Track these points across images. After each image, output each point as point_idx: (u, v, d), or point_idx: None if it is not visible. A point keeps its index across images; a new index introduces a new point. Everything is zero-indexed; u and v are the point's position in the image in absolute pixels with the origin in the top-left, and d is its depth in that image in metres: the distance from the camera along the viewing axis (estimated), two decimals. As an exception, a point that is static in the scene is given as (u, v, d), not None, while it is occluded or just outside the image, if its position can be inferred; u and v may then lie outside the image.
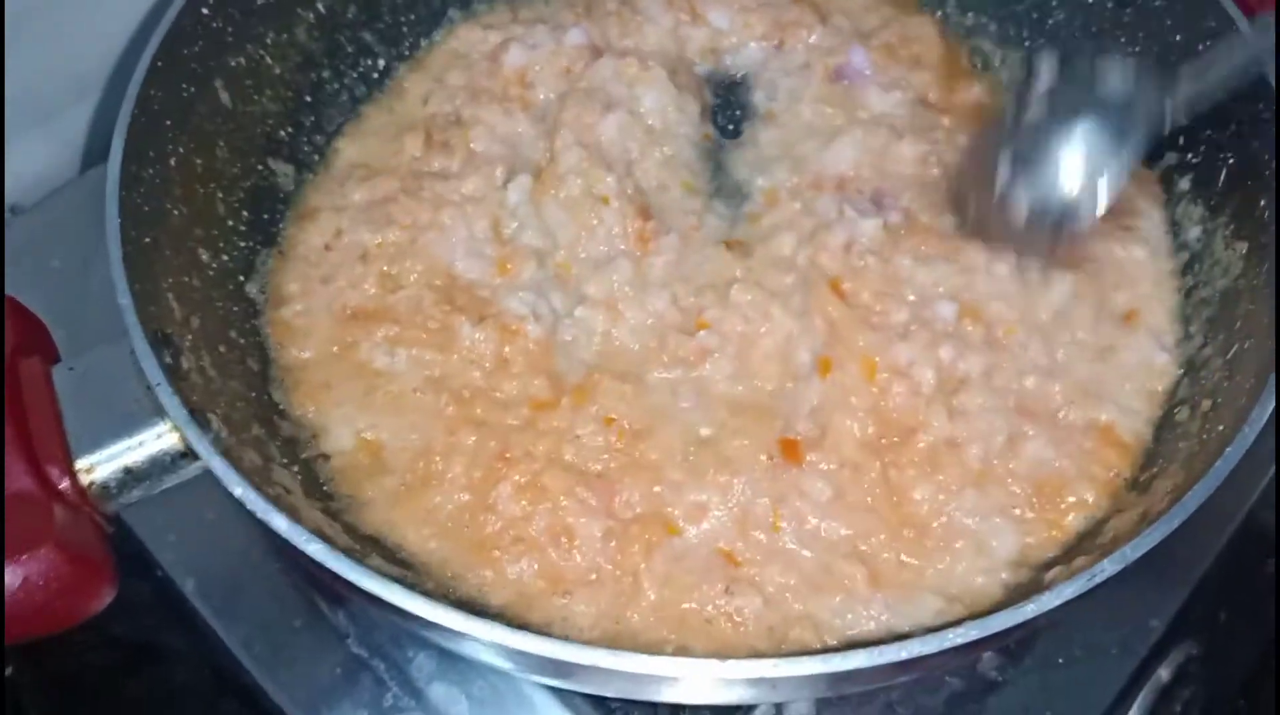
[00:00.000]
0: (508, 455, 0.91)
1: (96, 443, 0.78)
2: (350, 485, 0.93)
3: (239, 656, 0.98)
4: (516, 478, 0.90)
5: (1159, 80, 0.87)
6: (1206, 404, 0.88)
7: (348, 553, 0.74)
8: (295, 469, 0.91)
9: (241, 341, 0.98)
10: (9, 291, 0.87)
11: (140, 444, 0.79)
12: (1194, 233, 1.01)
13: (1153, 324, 0.98)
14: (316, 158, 1.13)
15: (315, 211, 1.08)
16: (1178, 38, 1.00)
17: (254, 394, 0.95)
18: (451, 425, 0.93)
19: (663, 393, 0.94)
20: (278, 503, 0.78)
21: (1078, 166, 0.88)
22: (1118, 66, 0.89)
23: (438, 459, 0.92)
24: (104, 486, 0.78)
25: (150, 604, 1.03)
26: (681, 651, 0.84)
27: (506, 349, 0.96)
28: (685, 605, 0.86)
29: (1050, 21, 1.13)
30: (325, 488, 0.93)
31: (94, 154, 1.25)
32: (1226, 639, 1.07)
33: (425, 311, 0.98)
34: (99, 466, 0.78)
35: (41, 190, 1.23)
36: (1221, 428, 0.82)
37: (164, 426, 0.79)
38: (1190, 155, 1.02)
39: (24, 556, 0.71)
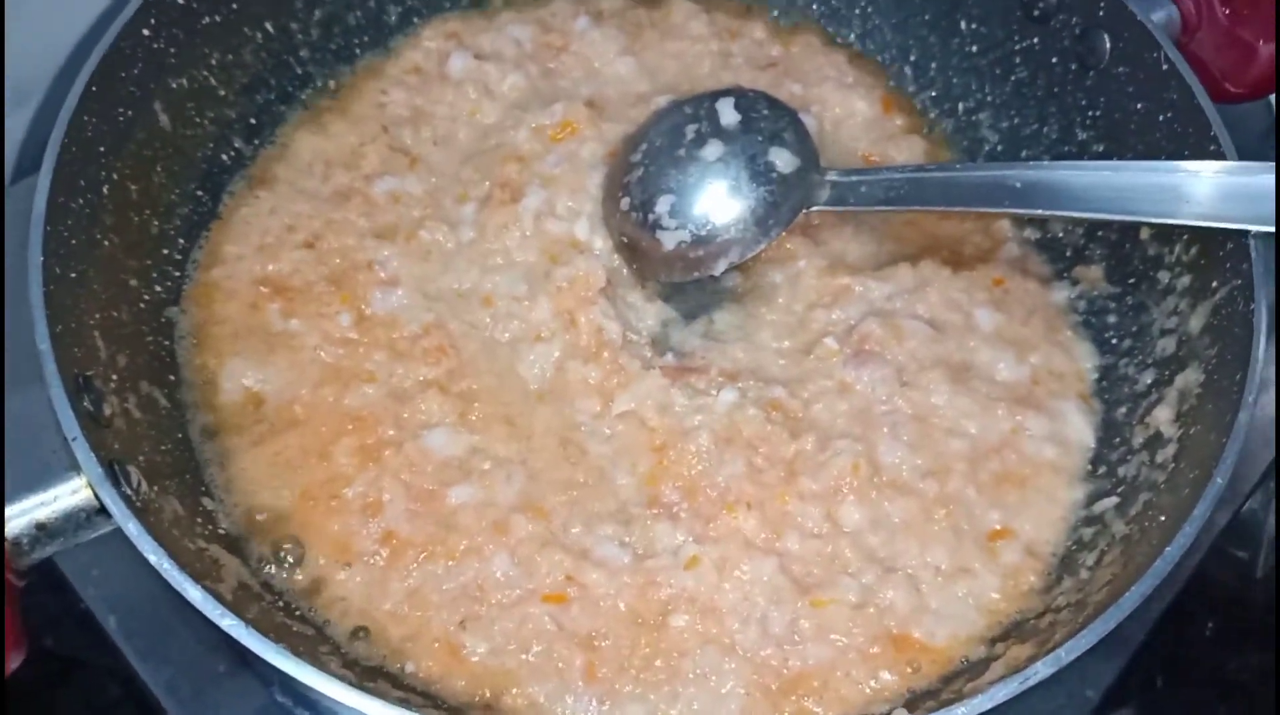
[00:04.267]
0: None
1: (10, 496, 0.75)
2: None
3: (162, 700, 0.96)
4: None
5: (818, 168, 1.00)
6: (1143, 498, 0.88)
7: (265, 620, 0.72)
8: (222, 523, 0.89)
9: (170, 377, 0.95)
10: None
11: (55, 499, 0.76)
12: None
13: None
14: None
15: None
16: (1139, 106, 0.99)
17: (179, 435, 0.93)
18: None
19: None
20: (197, 562, 0.77)
21: (732, 218, 0.99)
22: (788, 147, 0.99)
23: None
24: (15, 542, 0.75)
25: (77, 626, 1.00)
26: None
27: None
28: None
29: (1013, 78, 1.12)
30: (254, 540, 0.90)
31: (27, 164, 1.20)
32: (1165, 706, 1.07)
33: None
34: (10, 521, 0.75)
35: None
36: (1162, 519, 0.82)
37: (79, 481, 0.76)
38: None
39: (-78, 623, 0.68)
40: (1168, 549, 0.75)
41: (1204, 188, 0.87)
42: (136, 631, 0.97)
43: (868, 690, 0.84)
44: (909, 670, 0.85)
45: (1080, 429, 0.95)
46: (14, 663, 0.74)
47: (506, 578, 0.87)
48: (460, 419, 0.94)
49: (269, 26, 1.09)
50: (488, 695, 0.84)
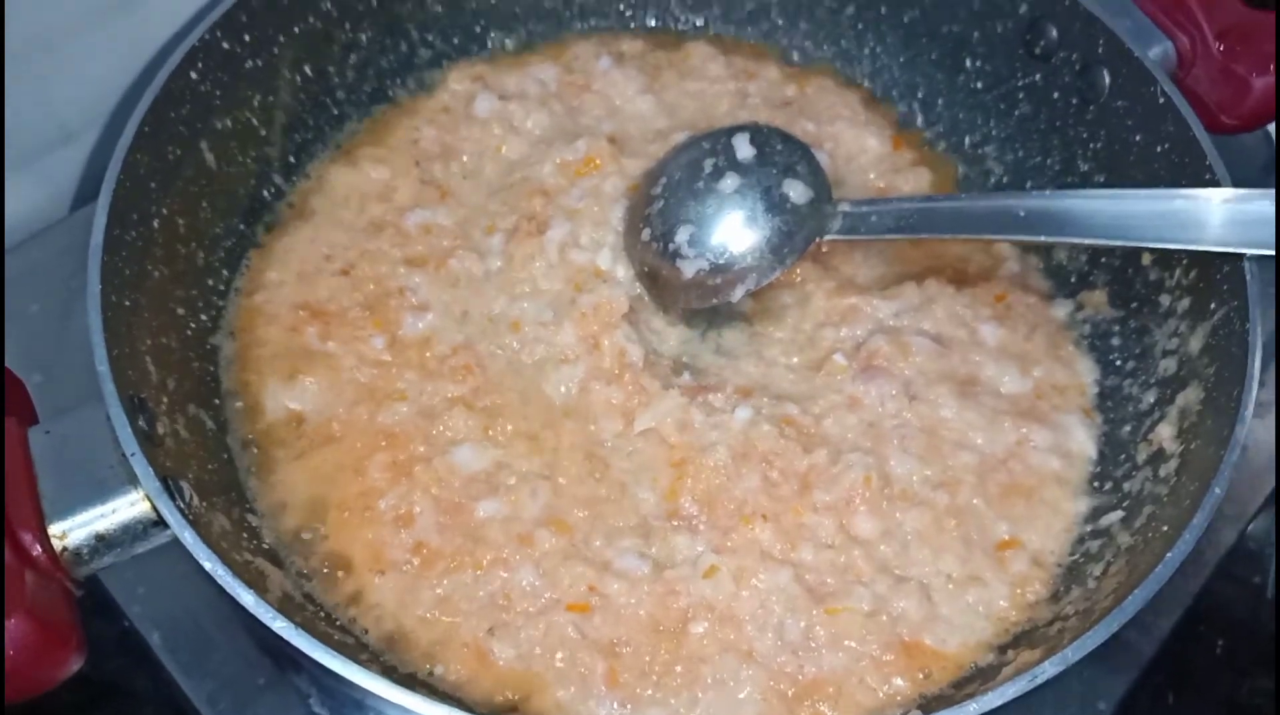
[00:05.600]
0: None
1: (70, 509, 0.79)
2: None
3: (203, 712, 0.99)
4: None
5: (830, 199, 1.02)
6: (1147, 510, 0.91)
7: (309, 627, 0.76)
8: (266, 538, 0.93)
9: (215, 401, 1.00)
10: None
11: (113, 511, 0.80)
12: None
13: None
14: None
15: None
16: (1137, 138, 1.03)
17: (224, 455, 0.97)
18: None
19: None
20: (245, 573, 0.81)
21: (749, 248, 1.01)
22: (801, 179, 1.02)
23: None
24: (76, 553, 0.79)
25: (116, 648, 1.03)
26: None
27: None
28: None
29: (1017, 113, 1.16)
30: (295, 550, 0.94)
31: (85, 195, 1.26)
32: (1176, 722, 1.08)
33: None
34: (71, 533, 0.79)
35: (26, 231, 1.23)
36: (1165, 529, 0.85)
37: (137, 494, 0.80)
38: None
39: (-5, 625, 0.72)
40: (1169, 554, 0.78)
41: (1203, 214, 0.91)
42: (180, 647, 1.00)
43: (881, 696, 0.87)
44: (921, 676, 0.88)
45: (1082, 441, 0.99)
46: (75, 665, 0.77)
47: (532, 588, 0.90)
48: (485, 434, 0.98)
49: (307, 70, 1.14)
50: (514, 698, 0.87)
